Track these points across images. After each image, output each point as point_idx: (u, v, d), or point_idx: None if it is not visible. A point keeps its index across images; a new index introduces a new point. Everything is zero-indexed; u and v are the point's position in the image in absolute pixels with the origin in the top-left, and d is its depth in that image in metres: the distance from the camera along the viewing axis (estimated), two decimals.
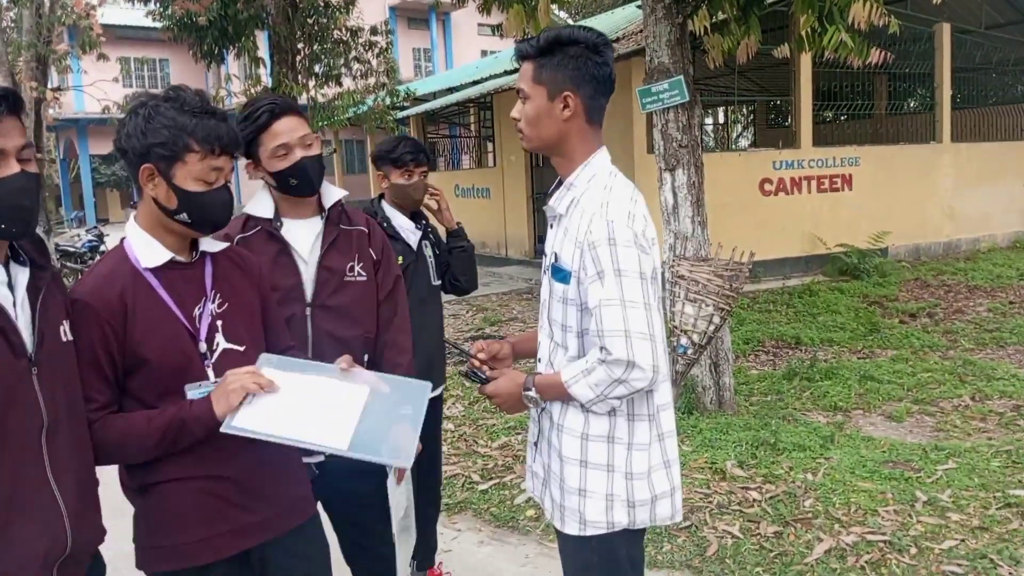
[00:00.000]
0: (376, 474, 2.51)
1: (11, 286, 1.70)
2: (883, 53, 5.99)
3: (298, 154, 2.45)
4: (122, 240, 2.09)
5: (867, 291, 10.09)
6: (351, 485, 2.58)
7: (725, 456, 4.81)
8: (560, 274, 2.06)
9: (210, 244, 2.14)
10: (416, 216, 3.47)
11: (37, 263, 1.77)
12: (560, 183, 2.16)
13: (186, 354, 2.00)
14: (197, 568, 2.02)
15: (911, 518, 3.96)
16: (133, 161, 1.97)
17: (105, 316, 1.91)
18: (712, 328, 5.12)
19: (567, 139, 2.08)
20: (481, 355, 2.29)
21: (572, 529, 2.08)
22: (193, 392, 1.98)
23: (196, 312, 2.04)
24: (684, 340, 5.18)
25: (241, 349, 2.09)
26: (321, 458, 2.51)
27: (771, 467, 4.63)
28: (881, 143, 14.00)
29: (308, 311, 2.52)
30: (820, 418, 5.70)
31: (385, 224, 3.29)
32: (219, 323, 2.07)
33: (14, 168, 1.65)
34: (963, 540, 3.72)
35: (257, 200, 2.57)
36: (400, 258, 3.20)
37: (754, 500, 4.26)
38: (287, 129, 2.45)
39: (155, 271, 2.01)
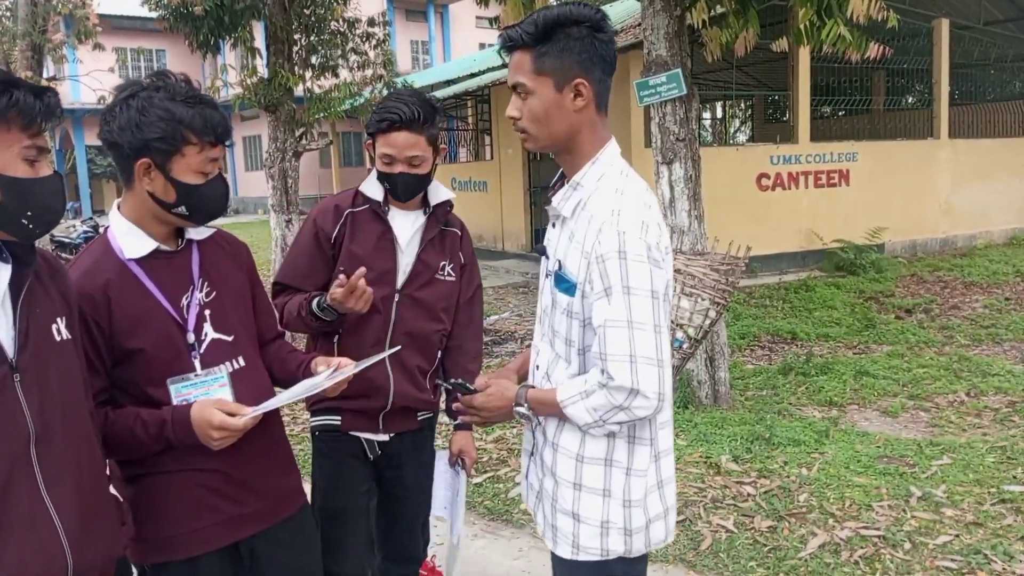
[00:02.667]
0: (425, 470, 2.76)
1: None
2: (881, 48, 5.97)
3: (398, 168, 2.50)
4: (105, 230, 2.04)
5: (863, 287, 10.10)
6: (401, 472, 2.73)
7: (720, 450, 4.80)
8: (564, 284, 1.87)
9: (195, 231, 2.10)
10: None
11: (21, 259, 1.65)
12: (562, 176, 1.97)
13: (174, 345, 1.97)
14: (187, 560, 2.00)
15: (905, 513, 3.95)
16: (127, 155, 1.91)
17: (89, 309, 1.88)
18: (708, 322, 5.10)
19: (579, 133, 1.86)
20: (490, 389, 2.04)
21: (564, 552, 1.92)
22: (176, 386, 1.96)
23: (184, 302, 2.00)
24: (680, 334, 5.17)
25: (229, 339, 2.06)
26: (386, 438, 2.66)
27: (766, 462, 4.63)
28: (879, 139, 14.00)
29: (396, 297, 2.59)
30: (815, 413, 5.70)
31: None
32: (207, 312, 2.03)
33: (50, 169, 1.63)
34: (957, 535, 3.72)
35: (369, 181, 2.62)
36: None
37: (748, 495, 4.26)
38: (399, 144, 2.47)
39: (140, 261, 1.97)
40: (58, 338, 1.68)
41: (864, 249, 11.41)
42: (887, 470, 4.46)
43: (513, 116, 1.88)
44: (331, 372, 2.05)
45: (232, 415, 1.88)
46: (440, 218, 2.68)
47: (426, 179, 2.58)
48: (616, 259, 1.73)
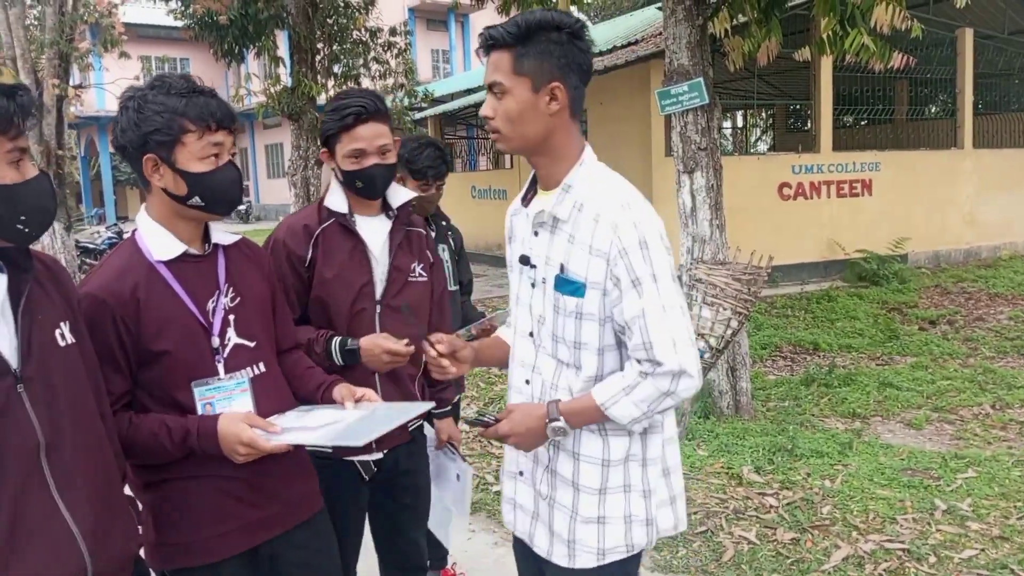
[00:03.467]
0: (421, 474, 2.71)
1: None
2: (905, 57, 5.93)
3: (371, 160, 2.46)
4: (133, 232, 2.06)
5: (886, 297, 10.01)
6: (400, 481, 2.68)
7: (742, 461, 4.77)
8: (570, 286, 1.84)
9: (223, 236, 2.12)
10: (433, 218, 3.43)
11: (18, 265, 1.62)
12: (534, 182, 1.98)
13: (199, 349, 1.98)
14: (208, 565, 2.01)
15: (930, 527, 3.91)
16: (133, 155, 1.94)
17: (118, 311, 1.89)
18: (729, 332, 5.08)
19: (553, 136, 1.86)
20: (441, 347, 2.02)
21: (587, 562, 1.88)
22: (199, 390, 1.97)
23: (210, 306, 2.02)
24: (701, 344, 5.15)
25: (252, 345, 2.08)
26: (380, 455, 2.59)
27: (788, 473, 4.59)
28: (902, 148, 13.88)
29: (378, 308, 2.55)
30: (838, 424, 5.66)
31: None
32: (231, 317, 2.05)
33: (35, 169, 1.59)
34: (983, 550, 3.67)
35: (332, 193, 2.58)
36: None
37: (771, 506, 4.23)
38: (369, 135, 2.45)
39: (168, 264, 1.99)
40: (62, 343, 1.67)
41: (887, 259, 11.31)
42: (911, 483, 4.41)
43: (487, 115, 1.89)
44: (358, 418, 2.03)
45: (259, 429, 1.90)
46: (404, 220, 2.65)
47: (394, 170, 2.56)
48: (639, 250, 1.76)
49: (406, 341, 2.41)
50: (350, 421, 1.99)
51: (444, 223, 3.47)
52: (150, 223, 2.02)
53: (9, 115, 1.50)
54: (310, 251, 2.48)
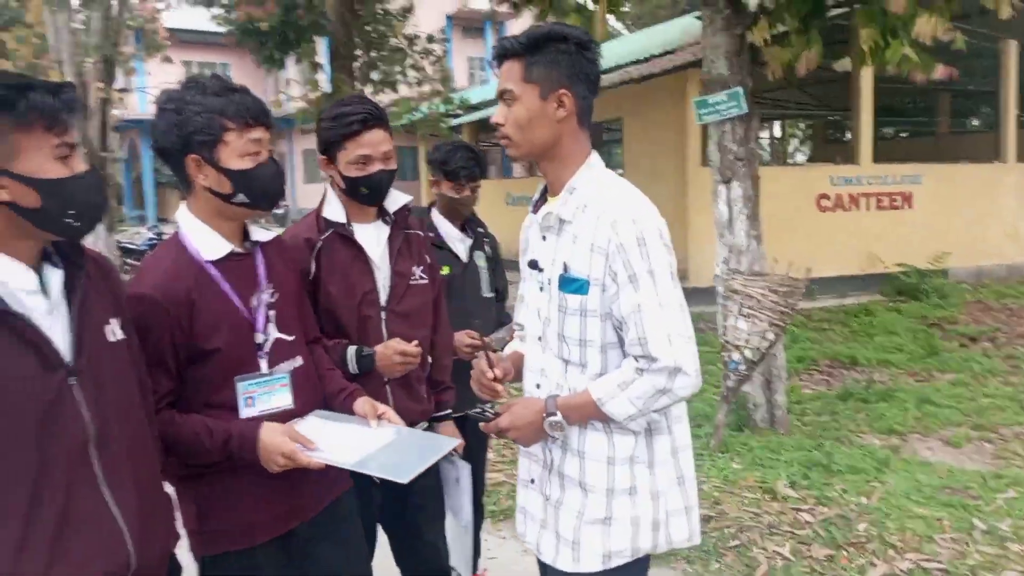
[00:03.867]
0: (431, 474, 2.59)
1: (45, 291, 1.62)
2: (947, 69, 5.83)
3: (376, 166, 2.48)
4: (175, 232, 2.09)
5: (926, 312, 9.85)
6: (411, 484, 2.63)
7: (776, 475, 4.72)
8: (573, 284, 1.89)
9: (261, 234, 2.18)
10: (469, 224, 3.44)
11: (73, 261, 1.68)
12: (544, 192, 2.04)
13: (245, 346, 2.05)
14: (245, 549, 2.07)
15: (969, 547, 3.83)
16: (176, 156, 1.99)
17: (173, 311, 1.94)
18: (766, 344, 5.04)
19: (560, 142, 1.93)
20: (498, 370, 2.06)
21: (592, 564, 1.90)
22: (243, 384, 2.03)
23: (253, 303, 2.08)
24: (736, 356, 5.11)
25: (290, 339, 2.15)
26: None
27: (824, 489, 4.53)
28: (943, 161, 13.66)
29: (383, 315, 2.57)
30: (875, 441, 5.57)
31: (432, 234, 3.26)
32: (272, 313, 2.11)
33: (84, 164, 1.62)
34: (1023, 572, 3.60)
35: (329, 203, 2.59)
36: (447, 268, 3.20)
37: (806, 522, 4.17)
38: (374, 141, 2.47)
39: (216, 263, 2.04)
40: (112, 339, 1.71)
41: (927, 274, 11.13)
42: (950, 502, 4.33)
43: (498, 122, 1.95)
44: (387, 444, 2.06)
45: (299, 444, 1.97)
46: (402, 224, 2.66)
47: (395, 175, 2.57)
48: (636, 246, 1.80)
49: (415, 343, 2.48)
50: (379, 446, 2.03)
51: (480, 230, 3.47)
52: (195, 222, 2.06)
53: (54, 112, 1.53)
54: (313, 265, 2.50)
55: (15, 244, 1.57)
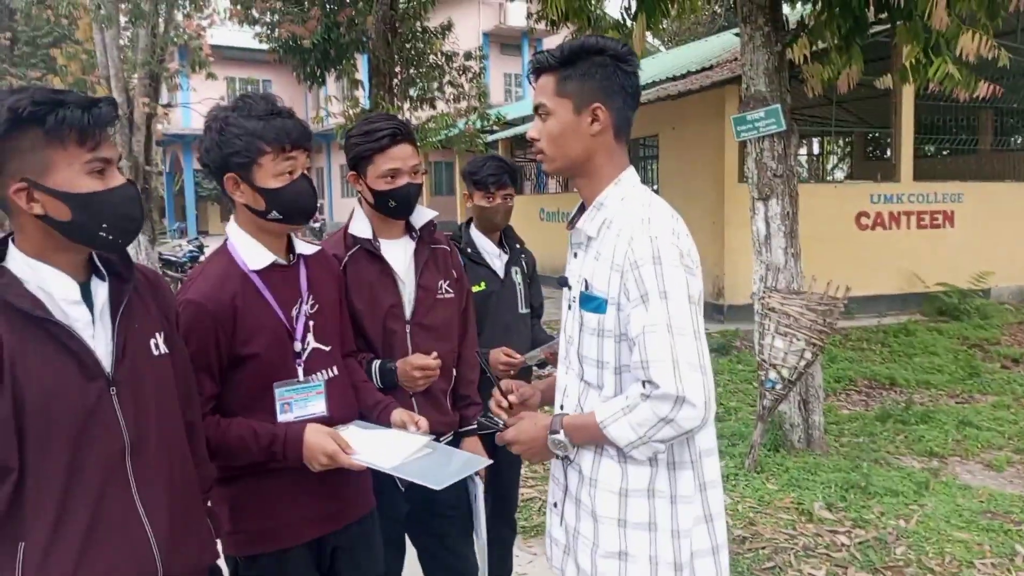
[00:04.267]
0: (460, 487, 2.61)
1: (90, 302, 1.65)
2: (991, 87, 5.76)
3: (404, 180, 2.54)
4: (224, 243, 2.19)
5: (967, 333, 9.67)
6: (436, 495, 2.64)
7: (812, 497, 4.66)
8: (592, 303, 1.83)
9: (305, 247, 2.26)
10: (507, 240, 3.45)
11: (120, 274, 1.72)
12: (582, 208, 1.97)
13: (283, 352, 2.12)
14: (278, 551, 2.14)
15: (1010, 572, 3.76)
16: (216, 173, 2.09)
17: (220, 317, 2.03)
18: (803, 363, 4.99)
19: (594, 157, 1.88)
20: (512, 397, 2.07)
21: None
22: (280, 390, 2.10)
23: (293, 312, 2.16)
24: (773, 375, 5.06)
25: (327, 349, 2.22)
26: None
27: (861, 511, 4.46)
28: (985, 180, 13.44)
29: (408, 328, 2.62)
30: (914, 463, 5.47)
31: (469, 249, 3.30)
32: (311, 324, 2.19)
33: (121, 178, 1.64)
34: None
35: (356, 220, 2.65)
36: (483, 283, 3.22)
37: (842, 544, 4.11)
38: (402, 155, 2.53)
39: (259, 273, 2.12)
40: (156, 352, 1.75)
41: (968, 294, 10.94)
42: (991, 526, 4.24)
43: (533, 137, 1.93)
44: (424, 456, 2.10)
45: (342, 448, 2.03)
46: (428, 239, 2.70)
47: (421, 189, 2.63)
48: (651, 265, 1.72)
49: (434, 354, 2.52)
50: (416, 454, 2.07)
51: (518, 246, 3.48)
52: (241, 234, 2.16)
53: (83, 126, 1.55)
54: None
55: (58, 256, 1.61)
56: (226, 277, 2.10)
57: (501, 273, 3.34)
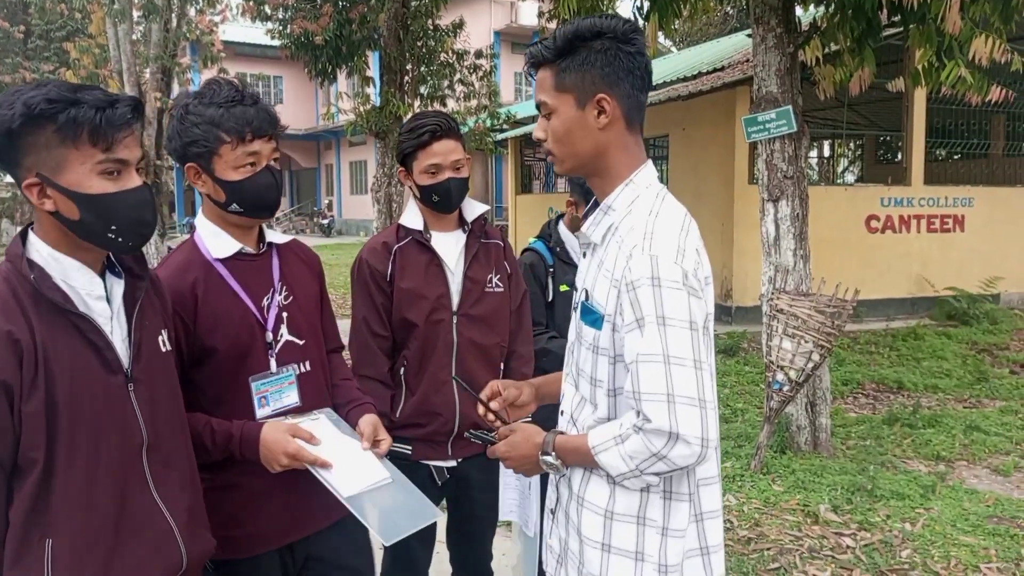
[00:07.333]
0: (491, 486, 2.72)
1: (108, 299, 1.66)
2: (1003, 91, 5.74)
3: (446, 174, 2.59)
4: (192, 233, 2.15)
5: (976, 338, 9.64)
6: (470, 493, 2.75)
7: (818, 499, 4.66)
8: (590, 316, 1.68)
9: (276, 236, 2.21)
10: None
11: (134, 273, 1.72)
12: (595, 205, 1.80)
13: (252, 344, 2.05)
14: (248, 558, 2.07)
15: None
16: (179, 163, 2.03)
17: (178, 306, 1.95)
18: (810, 365, 4.99)
19: (606, 153, 1.69)
20: (494, 404, 1.92)
21: None
22: (256, 383, 2.04)
23: (265, 303, 2.10)
24: (780, 376, 5.06)
25: (300, 343, 2.15)
26: (454, 463, 2.68)
27: (867, 514, 4.46)
28: (997, 184, 13.39)
29: (454, 319, 2.65)
30: (921, 467, 5.46)
31: (558, 248, 3.33)
32: (284, 315, 2.12)
33: (137, 180, 1.62)
34: None
35: (408, 211, 2.72)
36: (566, 286, 3.24)
37: (847, 547, 4.11)
38: (444, 151, 2.58)
39: (225, 262, 2.07)
40: (163, 349, 1.77)
41: (978, 298, 10.90)
42: (997, 531, 4.24)
43: (539, 138, 1.77)
44: (377, 487, 2.01)
45: (306, 440, 1.96)
46: (479, 233, 2.75)
47: (467, 184, 2.67)
48: (649, 286, 1.54)
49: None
50: (375, 484, 1.98)
51: None
52: (207, 223, 2.11)
53: (95, 126, 1.53)
54: (390, 266, 2.62)
55: (75, 251, 1.62)
56: (188, 265, 2.03)
57: None
